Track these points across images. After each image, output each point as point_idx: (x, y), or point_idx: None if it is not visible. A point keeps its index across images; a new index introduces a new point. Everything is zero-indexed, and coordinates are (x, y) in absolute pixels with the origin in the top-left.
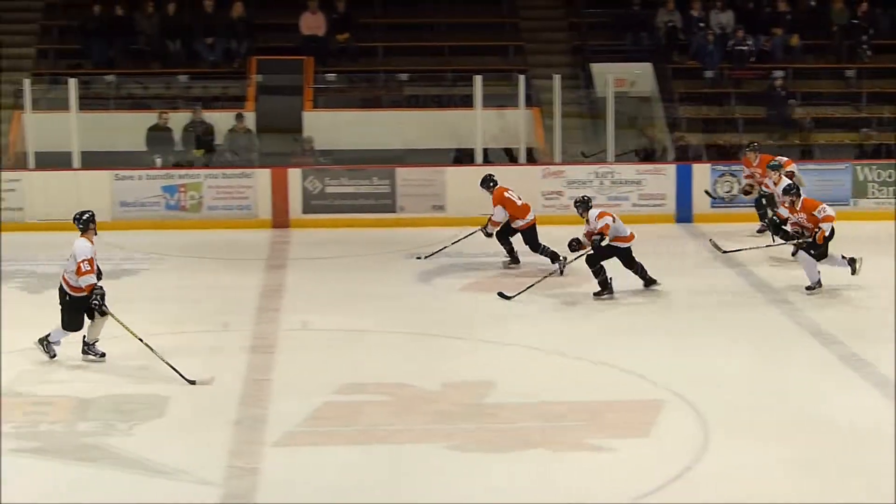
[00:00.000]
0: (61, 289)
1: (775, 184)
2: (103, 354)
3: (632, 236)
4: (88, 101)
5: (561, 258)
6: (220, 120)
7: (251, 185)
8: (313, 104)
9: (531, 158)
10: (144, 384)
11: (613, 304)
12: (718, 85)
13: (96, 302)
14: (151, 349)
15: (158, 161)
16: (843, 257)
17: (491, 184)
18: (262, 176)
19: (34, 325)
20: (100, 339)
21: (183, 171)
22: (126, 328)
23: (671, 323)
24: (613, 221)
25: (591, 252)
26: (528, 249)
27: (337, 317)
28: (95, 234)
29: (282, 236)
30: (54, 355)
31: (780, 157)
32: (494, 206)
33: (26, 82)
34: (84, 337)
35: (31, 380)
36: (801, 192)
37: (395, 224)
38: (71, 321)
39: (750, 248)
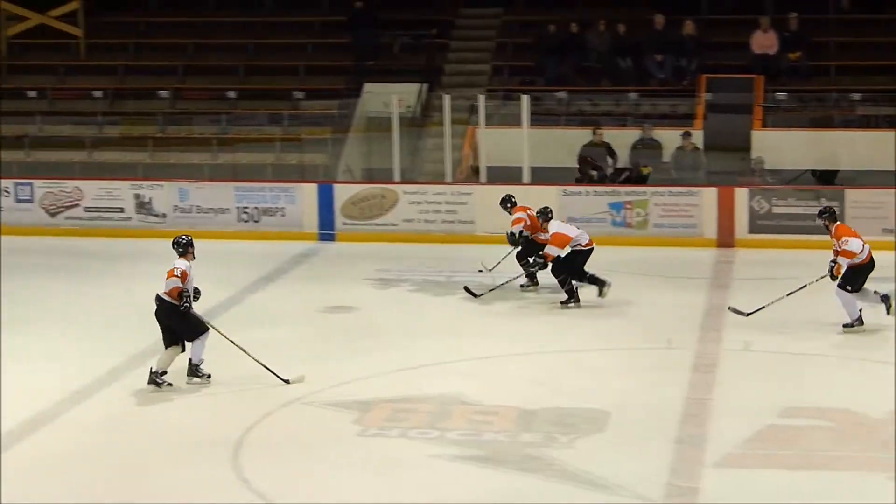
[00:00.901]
0: (168, 304)
1: None
2: (170, 384)
3: (589, 243)
4: (539, 117)
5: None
6: (668, 138)
7: (697, 203)
8: (762, 123)
9: None
10: (587, 399)
11: None
12: None
13: (186, 305)
14: (244, 351)
15: (594, 175)
16: (876, 293)
17: (509, 204)
18: (709, 195)
19: (477, 335)
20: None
21: (629, 189)
22: (218, 331)
23: None
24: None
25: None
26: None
27: (779, 338)
28: (193, 257)
29: (726, 256)
30: (209, 375)
31: None
32: (514, 225)
33: (481, 98)
34: (152, 367)
35: (476, 389)
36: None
37: None
38: (191, 328)
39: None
